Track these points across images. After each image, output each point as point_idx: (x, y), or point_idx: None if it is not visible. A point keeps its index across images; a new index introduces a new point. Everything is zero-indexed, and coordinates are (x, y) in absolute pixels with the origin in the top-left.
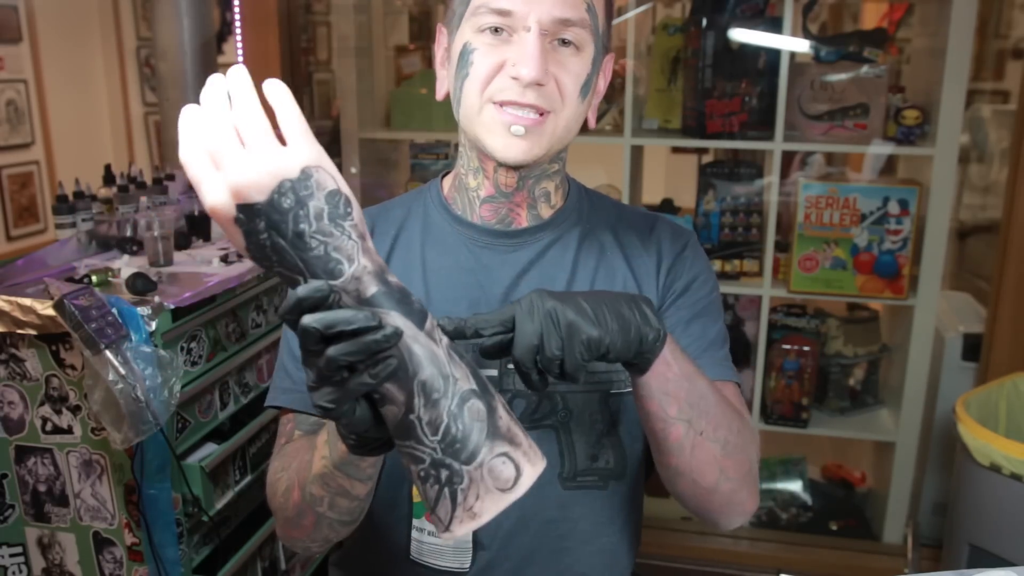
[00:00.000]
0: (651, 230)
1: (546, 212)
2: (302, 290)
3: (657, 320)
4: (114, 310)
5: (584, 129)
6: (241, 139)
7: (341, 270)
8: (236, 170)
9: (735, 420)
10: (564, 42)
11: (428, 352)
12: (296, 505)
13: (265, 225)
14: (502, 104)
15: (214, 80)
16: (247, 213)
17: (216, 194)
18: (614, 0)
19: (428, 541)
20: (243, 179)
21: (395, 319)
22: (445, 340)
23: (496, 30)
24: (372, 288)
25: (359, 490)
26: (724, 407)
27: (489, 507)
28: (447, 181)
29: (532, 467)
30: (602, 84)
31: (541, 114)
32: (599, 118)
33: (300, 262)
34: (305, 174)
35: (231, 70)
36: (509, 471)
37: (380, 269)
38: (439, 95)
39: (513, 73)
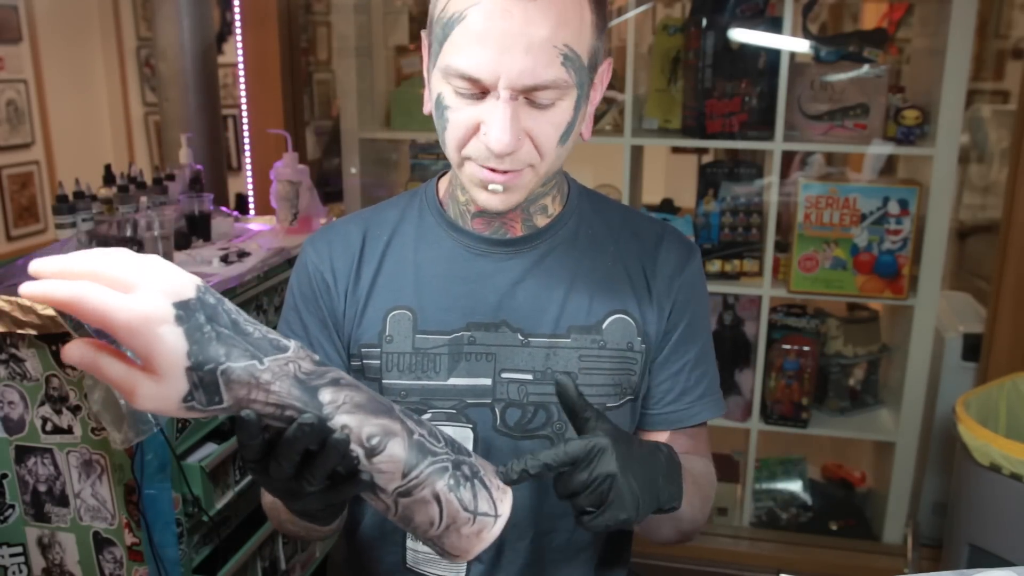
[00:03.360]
0: (657, 243)
1: (543, 221)
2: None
3: (679, 489)
4: None
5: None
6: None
7: (286, 344)
8: (158, 277)
9: (707, 493)
10: (539, 104)
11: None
12: (279, 523)
13: (205, 318)
14: (480, 163)
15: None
16: (185, 309)
17: (149, 300)
18: (606, 4)
19: (423, 550)
20: (170, 280)
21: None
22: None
23: (471, 94)
24: (315, 356)
25: (329, 530)
26: (703, 493)
27: (500, 483)
28: (443, 183)
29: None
30: (599, 91)
31: (520, 169)
32: (599, 118)
33: (250, 347)
34: (205, 284)
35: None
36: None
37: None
38: (425, 109)
39: (485, 141)
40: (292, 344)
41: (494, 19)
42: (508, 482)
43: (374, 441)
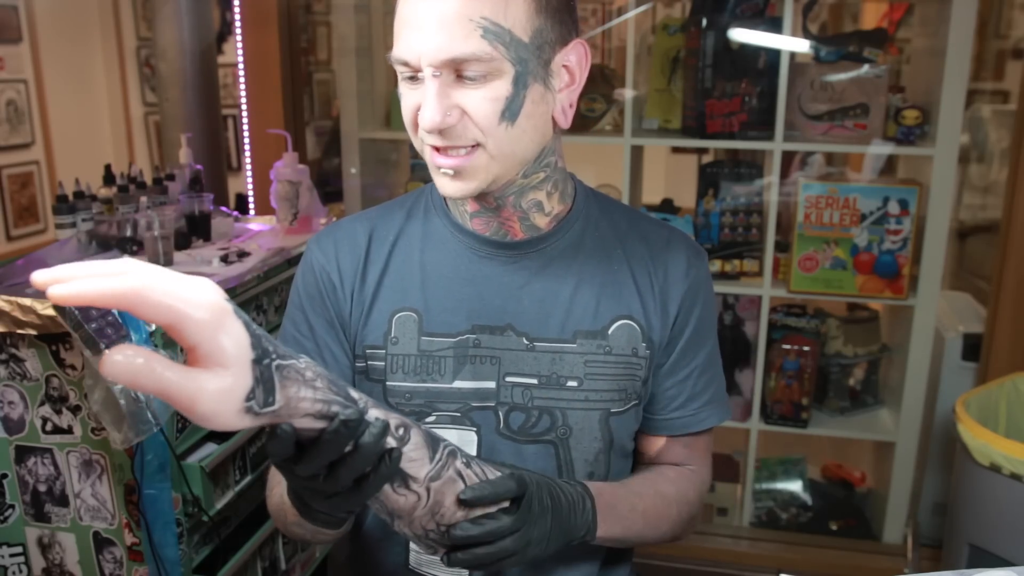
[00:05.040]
0: (664, 248)
1: (543, 221)
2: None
3: (593, 520)
4: (114, 310)
5: (584, 129)
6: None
7: (301, 355)
8: (191, 278)
9: (674, 510)
10: (468, 78)
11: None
12: (284, 525)
13: (248, 320)
14: (431, 145)
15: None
16: (233, 304)
17: (210, 291)
18: None
19: None
20: (206, 280)
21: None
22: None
23: (411, 78)
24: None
25: (337, 534)
26: (654, 514)
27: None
28: None
29: None
30: (576, 75)
31: (468, 149)
32: (600, 117)
33: (283, 346)
34: None
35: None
36: None
37: None
38: None
39: (420, 121)
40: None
41: (417, 3)
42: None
43: (400, 431)
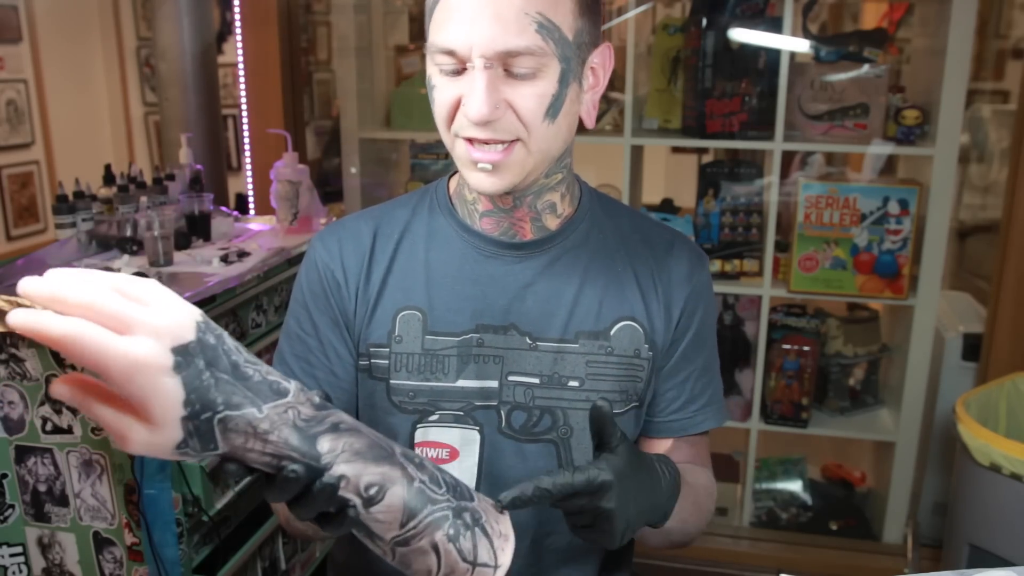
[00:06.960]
0: (667, 251)
1: (552, 223)
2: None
3: (669, 512)
4: None
5: (584, 129)
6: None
7: (286, 387)
8: (157, 316)
9: (706, 506)
10: (518, 74)
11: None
12: (287, 522)
13: (204, 363)
14: (467, 139)
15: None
16: (184, 354)
17: (148, 346)
18: None
19: None
20: (169, 320)
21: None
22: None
23: (453, 70)
24: (316, 398)
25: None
26: (700, 508)
27: (505, 527)
28: (453, 182)
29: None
30: (600, 77)
31: (507, 144)
32: (599, 117)
33: (249, 392)
34: (204, 317)
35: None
36: (491, 499)
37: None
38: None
39: (464, 112)
40: (292, 387)
41: None
42: (500, 509)
43: (372, 491)
